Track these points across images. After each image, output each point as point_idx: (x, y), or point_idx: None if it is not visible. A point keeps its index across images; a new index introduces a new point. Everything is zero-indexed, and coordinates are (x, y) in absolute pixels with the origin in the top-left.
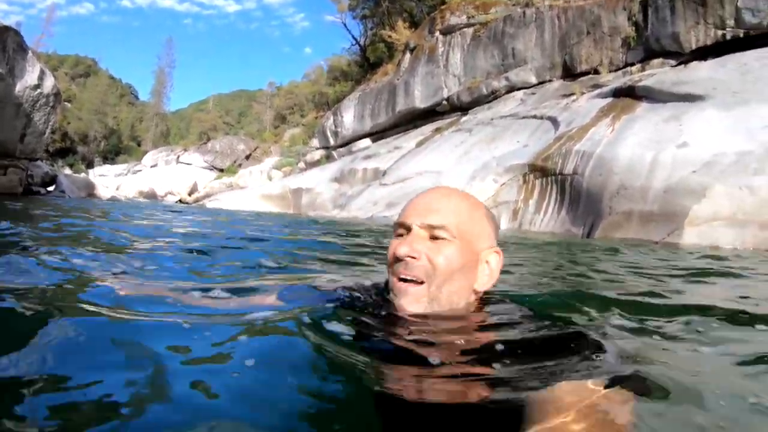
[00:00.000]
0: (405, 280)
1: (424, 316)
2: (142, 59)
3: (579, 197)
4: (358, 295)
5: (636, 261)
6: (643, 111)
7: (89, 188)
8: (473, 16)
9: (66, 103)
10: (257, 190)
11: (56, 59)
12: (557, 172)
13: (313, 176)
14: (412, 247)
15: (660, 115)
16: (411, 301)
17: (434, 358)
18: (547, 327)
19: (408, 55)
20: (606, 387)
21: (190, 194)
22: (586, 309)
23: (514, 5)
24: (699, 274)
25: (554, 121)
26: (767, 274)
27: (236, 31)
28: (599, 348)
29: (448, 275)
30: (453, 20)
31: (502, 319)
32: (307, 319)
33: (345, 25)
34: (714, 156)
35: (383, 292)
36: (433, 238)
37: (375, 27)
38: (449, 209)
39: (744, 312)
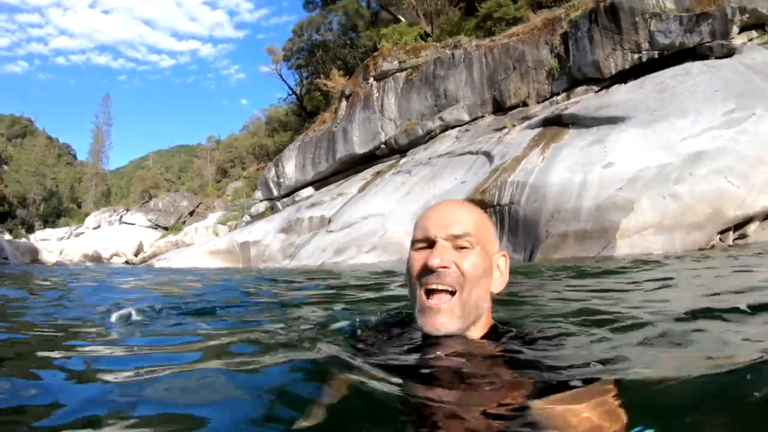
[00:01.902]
0: (434, 291)
1: (453, 341)
2: (79, 118)
3: (517, 225)
4: (384, 321)
5: (572, 278)
6: (570, 137)
7: (33, 254)
8: (404, 61)
9: (2, 165)
10: (204, 246)
11: None
12: (495, 203)
13: (260, 228)
14: (443, 258)
15: (585, 139)
16: (446, 317)
17: (469, 379)
18: (549, 338)
19: (344, 103)
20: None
21: (136, 254)
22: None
23: (443, 48)
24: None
25: (488, 155)
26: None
27: (172, 86)
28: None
29: (476, 280)
30: (385, 66)
31: (516, 334)
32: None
33: (281, 75)
34: (637, 171)
35: (403, 316)
36: (457, 247)
37: (310, 76)
38: (467, 218)
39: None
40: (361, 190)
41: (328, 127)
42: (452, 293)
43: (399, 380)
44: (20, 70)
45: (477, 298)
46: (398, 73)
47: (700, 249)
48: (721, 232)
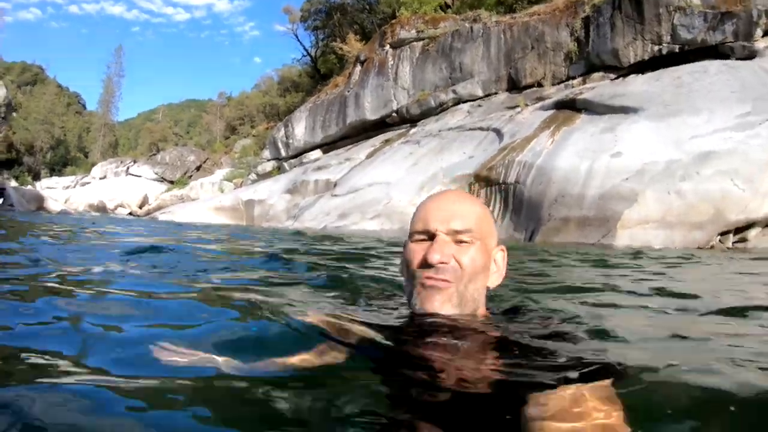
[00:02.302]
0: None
1: (449, 320)
2: (90, 67)
3: (521, 205)
4: (380, 310)
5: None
6: (582, 123)
7: (39, 201)
8: (422, 31)
9: (12, 113)
10: (209, 202)
11: (3, 66)
12: (501, 181)
13: (266, 188)
14: (443, 253)
15: (597, 126)
16: (443, 301)
17: (461, 364)
18: (546, 326)
19: (359, 68)
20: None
21: (140, 207)
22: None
23: (462, 20)
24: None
25: (499, 133)
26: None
27: (186, 40)
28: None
29: (474, 275)
30: (403, 34)
31: (512, 319)
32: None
33: (296, 36)
34: (645, 164)
35: (398, 304)
36: (458, 241)
37: (326, 38)
38: (469, 213)
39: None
40: (369, 156)
41: (341, 92)
42: (449, 281)
43: (387, 358)
44: (33, 17)
45: (473, 291)
46: (415, 43)
47: (699, 248)
48: (722, 234)
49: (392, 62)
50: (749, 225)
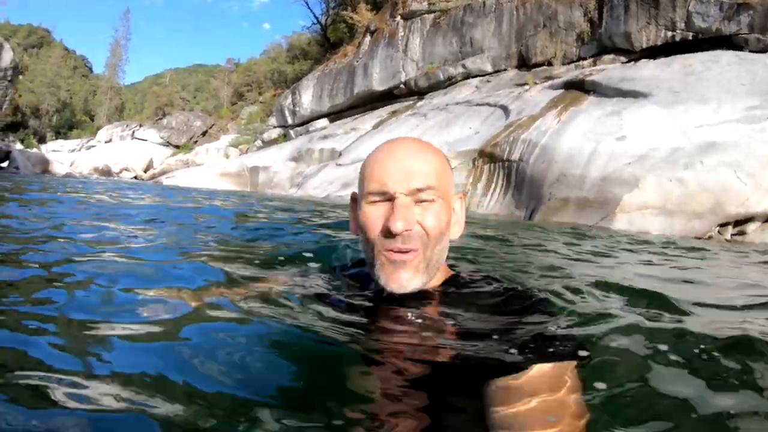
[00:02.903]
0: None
1: (415, 296)
2: (97, 31)
3: (523, 183)
4: (336, 282)
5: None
6: (589, 104)
7: (44, 164)
8: (434, 3)
9: (18, 75)
10: (214, 167)
11: (9, 29)
12: (504, 158)
13: (271, 155)
14: (407, 221)
15: (604, 109)
16: (410, 276)
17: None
18: (513, 297)
19: (368, 38)
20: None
21: (145, 171)
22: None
23: None
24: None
25: (505, 110)
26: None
27: (194, 4)
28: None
29: (440, 236)
30: (414, 6)
31: (474, 289)
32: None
33: (307, 3)
34: (649, 150)
35: (359, 274)
36: (419, 201)
37: (337, 6)
38: (428, 167)
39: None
40: (375, 127)
41: (350, 61)
42: (415, 251)
43: (348, 333)
44: None
45: (439, 253)
46: (426, 15)
47: (697, 238)
48: (721, 225)
49: (402, 34)
50: (749, 218)
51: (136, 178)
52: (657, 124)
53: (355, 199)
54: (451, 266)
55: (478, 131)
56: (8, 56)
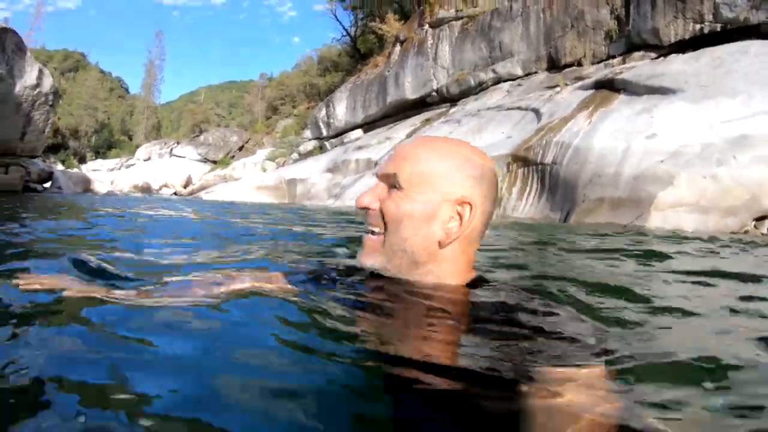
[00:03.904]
0: (367, 233)
1: (385, 277)
2: (131, 52)
3: (557, 185)
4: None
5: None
6: (620, 103)
7: (85, 184)
8: (461, 9)
9: (59, 99)
10: (252, 181)
11: (45, 55)
12: (538, 161)
13: (307, 167)
14: (365, 199)
15: (634, 107)
16: (368, 253)
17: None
18: (525, 300)
19: (398, 47)
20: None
21: (185, 187)
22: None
23: None
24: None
25: (537, 113)
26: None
27: (225, 22)
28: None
29: (396, 224)
30: (442, 13)
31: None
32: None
33: (335, 15)
34: (680, 146)
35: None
36: (390, 186)
37: (365, 18)
38: (409, 157)
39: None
40: (409, 135)
41: (381, 71)
42: (373, 233)
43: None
44: (73, 6)
45: (402, 241)
46: (454, 22)
47: (732, 233)
48: (757, 220)
49: (431, 42)
50: None
51: (175, 194)
52: (687, 120)
53: None
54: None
55: (510, 135)
56: (48, 82)
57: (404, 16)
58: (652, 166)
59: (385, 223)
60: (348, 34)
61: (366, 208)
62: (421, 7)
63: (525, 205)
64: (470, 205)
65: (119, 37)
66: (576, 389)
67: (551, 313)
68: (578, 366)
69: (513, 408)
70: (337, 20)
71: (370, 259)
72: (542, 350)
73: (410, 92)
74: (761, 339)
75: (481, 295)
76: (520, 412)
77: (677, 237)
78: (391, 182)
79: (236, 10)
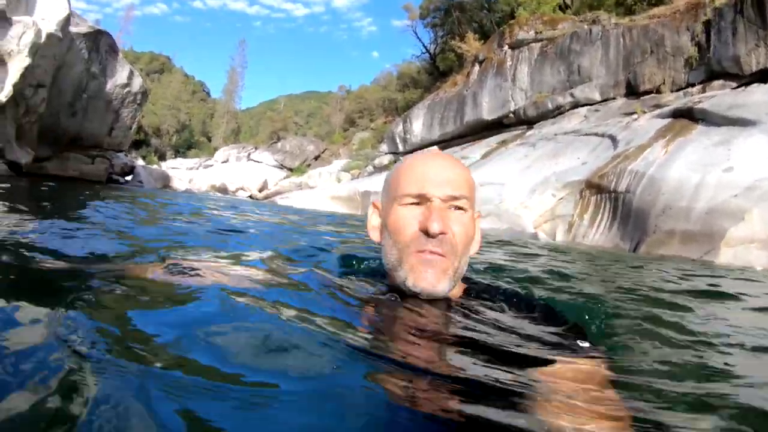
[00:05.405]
0: (433, 256)
1: (444, 298)
2: (213, 58)
3: (629, 215)
4: (359, 282)
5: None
6: (697, 134)
7: (165, 180)
8: (540, 32)
9: (146, 99)
10: (326, 190)
11: (133, 56)
12: (611, 189)
13: (382, 180)
14: (444, 223)
15: (711, 138)
16: (441, 277)
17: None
18: (529, 307)
19: (477, 67)
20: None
21: (260, 191)
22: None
23: (580, 21)
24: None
25: (614, 140)
26: None
27: (305, 34)
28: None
29: (466, 247)
30: (521, 35)
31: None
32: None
33: (415, 32)
34: (755, 181)
35: (376, 275)
36: (452, 208)
37: (445, 35)
38: (462, 177)
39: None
40: (484, 156)
41: (459, 90)
42: (445, 256)
43: (371, 338)
44: (159, 12)
45: (464, 264)
46: (533, 44)
47: None
48: None
49: (510, 63)
50: None
51: (251, 197)
52: (765, 154)
53: (377, 207)
54: (465, 279)
55: (585, 162)
56: (138, 82)
57: (484, 36)
58: (725, 200)
59: (453, 246)
60: (427, 51)
61: (443, 233)
62: (501, 28)
63: (596, 233)
64: (480, 217)
65: (203, 42)
66: (578, 381)
67: (544, 315)
68: (581, 357)
69: (516, 400)
70: (417, 37)
71: (442, 284)
72: (544, 344)
73: (487, 113)
74: None
75: (482, 299)
76: (523, 404)
77: (746, 274)
78: (457, 204)
79: (316, 23)
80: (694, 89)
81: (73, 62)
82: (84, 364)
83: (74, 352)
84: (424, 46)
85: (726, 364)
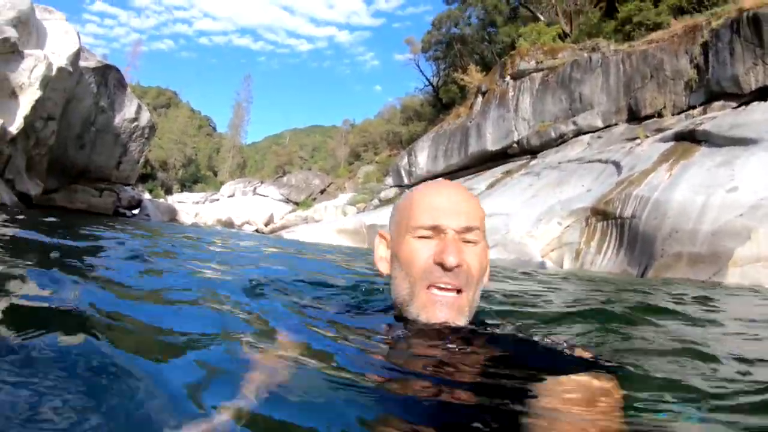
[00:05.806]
0: (440, 289)
1: (459, 331)
2: (219, 93)
3: (635, 240)
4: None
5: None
6: (700, 156)
7: (171, 214)
8: (541, 62)
9: (153, 134)
10: (333, 224)
11: (140, 90)
12: (617, 215)
13: (388, 213)
14: (459, 256)
15: (714, 159)
16: (456, 310)
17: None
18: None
19: (480, 98)
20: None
21: (266, 225)
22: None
23: (580, 49)
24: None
25: (617, 166)
26: None
27: (309, 69)
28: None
29: (480, 279)
30: (522, 65)
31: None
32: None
33: (418, 66)
34: (760, 199)
35: (384, 310)
36: (466, 241)
37: (447, 68)
38: (475, 209)
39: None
40: (490, 186)
41: (463, 122)
42: (458, 291)
43: (381, 370)
44: (166, 48)
45: (478, 296)
46: (534, 74)
47: None
48: None
49: (512, 93)
50: None
51: (257, 231)
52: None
53: (384, 237)
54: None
55: (590, 189)
56: (146, 116)
57: (485, 67)
58: (730, 220)
59: (469, 278)
60: (430, 84)
61: (459, 266)
62: (502, 59)
63: (603, 259)
64: (488, 247)
65: (209, 78)
66: (584, 398)
67: (552, 343)
68: (588, 376)
69: (523, 419)
70: (420, 70)
71: (459, 318)
72: (551, 364)
73: (491, 143)
74: None
75: (491, 331)
76: (529, 423)
77: (755, 294)
78: (470, 237)
79: (320, 58)
80: (695, 111)
81: (83, 96)
82: None
83: None
84: (427, 79)
85: (735, 378)
